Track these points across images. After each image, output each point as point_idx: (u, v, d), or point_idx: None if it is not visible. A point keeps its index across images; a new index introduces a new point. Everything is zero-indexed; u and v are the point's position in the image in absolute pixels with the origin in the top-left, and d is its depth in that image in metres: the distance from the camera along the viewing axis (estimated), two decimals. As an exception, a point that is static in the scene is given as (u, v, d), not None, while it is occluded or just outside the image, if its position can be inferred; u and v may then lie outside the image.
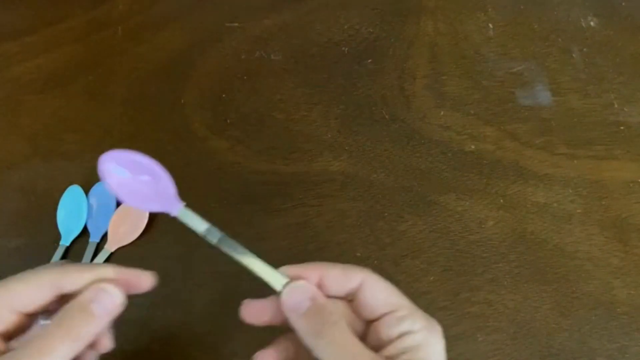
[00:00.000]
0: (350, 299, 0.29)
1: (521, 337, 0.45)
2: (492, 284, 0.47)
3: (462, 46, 0.60)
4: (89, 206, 0.52)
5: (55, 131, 0.57)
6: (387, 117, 0.56)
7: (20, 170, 0.55)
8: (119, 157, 0.28)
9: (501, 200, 0.51)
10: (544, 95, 0.56)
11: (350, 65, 0.59)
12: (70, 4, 0.65)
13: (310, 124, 0.56)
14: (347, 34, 0.61)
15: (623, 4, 0.62)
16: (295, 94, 0.58)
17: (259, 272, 0.28)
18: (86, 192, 0.52)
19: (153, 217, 0.51)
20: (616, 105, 0.56)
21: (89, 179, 0.53)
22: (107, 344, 0.29)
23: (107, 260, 0.49)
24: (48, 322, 0.28)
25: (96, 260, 0.49)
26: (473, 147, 0.54)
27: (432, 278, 0.48)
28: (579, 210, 0.50)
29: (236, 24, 0.62)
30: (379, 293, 0.28)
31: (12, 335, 0.27)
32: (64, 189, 0.52)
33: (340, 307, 0.28)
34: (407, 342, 0.26)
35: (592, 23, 0.60)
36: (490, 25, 0.61)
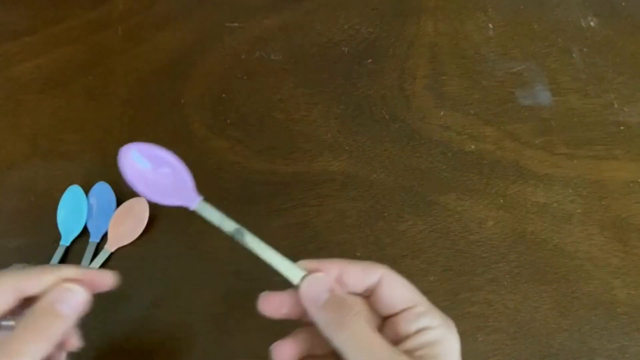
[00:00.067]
0: (367, 295, 0.29)
1: (521, 337, 0.45)
2: (492, 284, 0.47)
3: (462, 46, 0.60)
4: (89, 206, 0.52)
5: (55, 131, 0.57)
6: (387, 117, 0.56)
7: (20, 170, 0.55)
8: (141, 148, 0.29)
9: (501, 200, 0.51)
10: (544, 95, 0.56)
11: (350, 65, 0.59)
12: (70, 4, 0.65)
13: (310, 124, 0.56)
14: (347, 34, 0.61)
15: (623, 4, 0.62)
16: (295, 94, 0.58)
17: (276, 265, 0.28)
18: (86, 192, 0.52)
19: (153, 217, 0.51)
20: (616, 105, 0.56)
21: (89, 179, 0.53)
22: (75, 342, 0.29)
23: (108, 260, 0.49)
24: (10, 322, 0.28)
25: (96, 260, 0.49)
26: (473, 147, 0.54)
27: (432, 278, 0.48)
28: (579, 210, 0.50)
29: (236, 24, 0.62)
30: (397, 289, 0.28)
31: None
32: (64, 189, 0.52)
33: (359, 301, 0.29)
34: (425, 337, 0.27)
35: (592, 23, 0.60)
36: (490, 25, 0.61)
